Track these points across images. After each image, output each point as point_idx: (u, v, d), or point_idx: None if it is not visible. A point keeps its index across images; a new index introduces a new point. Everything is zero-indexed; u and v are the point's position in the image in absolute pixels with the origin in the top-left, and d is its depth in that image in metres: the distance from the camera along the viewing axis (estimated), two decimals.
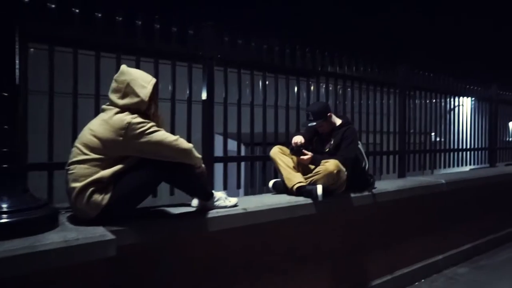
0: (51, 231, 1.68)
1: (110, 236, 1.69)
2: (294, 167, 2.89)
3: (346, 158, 2.86)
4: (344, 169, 2.77)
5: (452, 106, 5.21)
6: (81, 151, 1.85)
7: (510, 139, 6.62)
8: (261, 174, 3.22)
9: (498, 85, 5.88)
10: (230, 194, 2.43)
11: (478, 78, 5.61)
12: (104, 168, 1.84)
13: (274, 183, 2.99)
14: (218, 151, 3.07)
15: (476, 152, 5.60)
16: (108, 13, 2.23)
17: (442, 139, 5.11)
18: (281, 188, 2.91)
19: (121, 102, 1.91)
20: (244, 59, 2.98)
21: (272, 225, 2.46)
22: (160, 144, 1.90)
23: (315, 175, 2.76)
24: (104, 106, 1.96)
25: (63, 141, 2.15)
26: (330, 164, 2.67)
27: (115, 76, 1.95)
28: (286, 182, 2.83)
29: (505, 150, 6.28)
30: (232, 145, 3.21)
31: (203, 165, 2.18)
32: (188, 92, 2.71)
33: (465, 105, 5.47)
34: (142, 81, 1.97)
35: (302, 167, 2.94)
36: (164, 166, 1.95)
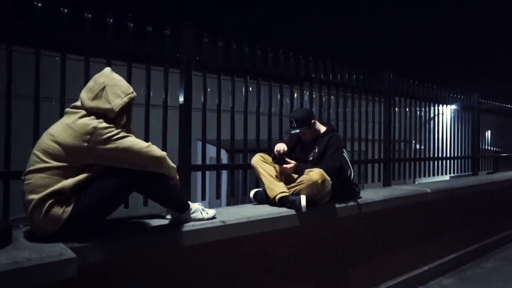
0: (1, 250, 1.50)
1: (69, 254, 1.51)
2: (276, 176, 2.75)
3: (331, 167, 2.74)
4: (329, 178, 2.65)
5: (435, 114, 5.18)
6: (39, 158, 1.67)
7: (488, 147, 6.67)
8: (243, 183, 3.06)
9: (479, 94, 5.92)
10: (212, 205, 2.28)
11: (459, 86, 5.63)
12: (65, 178, 1.66)
13: (255, 193, 2.84)
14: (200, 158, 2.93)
15: (457, 161, 5.58)
16: (75, 10, 2.05)
17: (423, 147, 5.07)
18: (263, 198, 2.77)
19: (90, 103, 1.74)
20: (224, 62, 2.84)
21: (252, 238, 2.31)
22: (129, 151, 1.74)
23: (298, 184, 2.62)
24: (67, 109, 1.79)
25: (23, 148, 1.95)
26: (314, 174, 2.54)
27: (96, 75, 1.79)
28: (268, 192, 2.69)
29: (485, 158, 6.30)
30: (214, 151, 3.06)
31: (177, 176, 2.02)
32: (164, 96, 2.55)
33: (446, 113, 5.46)
34: (120, 90, 1.80)
35: (285, 176, 2.81)
36: (133, 175, 1.78)
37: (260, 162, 2.77)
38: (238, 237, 2.23)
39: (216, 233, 2.12)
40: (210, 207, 2.28)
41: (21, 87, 2.04)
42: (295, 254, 2.59)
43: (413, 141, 4.91)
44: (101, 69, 1.90)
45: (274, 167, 2.77)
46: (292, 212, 2.54)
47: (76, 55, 2.14)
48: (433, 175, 5.12)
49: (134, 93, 1.86)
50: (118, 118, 1.79)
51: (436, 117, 5.22)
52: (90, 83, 1.79)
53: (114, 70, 1.90)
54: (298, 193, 2.60)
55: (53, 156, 1.66)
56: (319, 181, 2.52)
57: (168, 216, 2.13)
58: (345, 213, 2.90)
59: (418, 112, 4.81)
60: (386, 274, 3.31)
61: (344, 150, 3.20)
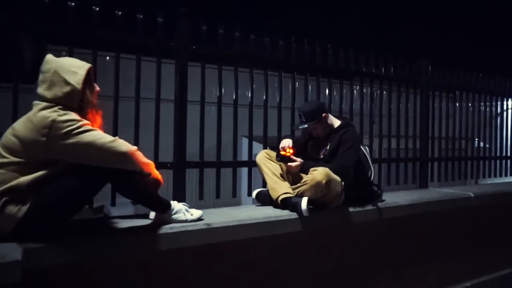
0: None
1: (13, 256, 1.40)
2: (281, 175, 2.50)
3: (342, 166, 2.43)
4: (338, 178, 2.35)
5: (495, 108, 4.57)
6: (0, 154, 1.59)
7: None
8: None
9: None
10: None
11: None
12: (23, 174, 1.56)
13: (258, 194, 2.62)
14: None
15: None
16: None
17: (487, 146, 4.50)
18: (266, 199, 2.53)
19: (49, 93, 1.63)
20: (226, 51, 2.62)
21: (243, 244, 2.08)
22: (92, 146, 1.60)
23: (302, 185, 2.35)
24: (34, 102, 1.69)
25: None
26: (318, 173, 2.26)
27: (41, 67, 1.68)
28: (271, 192, 2.45)
29: None
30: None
31: (156, 172, 1.86)
32: (156, 90, 2.40)
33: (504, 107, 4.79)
34: (72, 67, 1.69)
35: (292, 176, 2.55)
36: (99, 172, 1.64)
37: (264, 160, 2.53)
38: (225, 242, 2.01)
39: (197, 237, 1.92)
40: None
41: None
42: (296, 264, 2.32)
43: (476, 139, 4.39)
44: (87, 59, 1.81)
45: (280, 165, 2.52)
46: (293, 215, 2.28)
47: (58, 45, 2.05)
48: (491, 176, 4.52)
49: (88, 64, 1.74)
50: (84, 96, 1.68)
51: (497, 112, 4.62)
52: (40, 76, 1.67)
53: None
54: (302, 195, 2.34)
55: (11, 151, 1.57)
56: (323, 181, 2.23)
57: (151, 217, 1.98)
58: (361, 219, 2.56)
59: (471, 106, 4.26)
60: None
61: (366, 147, 2.87)
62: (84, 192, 1.66)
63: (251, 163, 2.73)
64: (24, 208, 1.54)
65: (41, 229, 1.60)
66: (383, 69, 3.46)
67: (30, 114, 1.62)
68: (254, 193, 2.63)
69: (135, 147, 1.72)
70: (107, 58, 2.32)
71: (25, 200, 1.55)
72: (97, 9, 2.14)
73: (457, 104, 4.15)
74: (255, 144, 2.97)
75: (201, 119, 2.55)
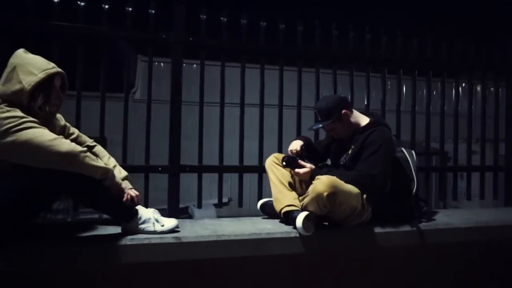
0: None
1: None
2: (290, 183, 2.11)
3: (363, 175, 1.94)
4: (352, 190, 1.89)
5: None
6: None
7: None
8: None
9: None
10: None
11: None
12: None
13: (263, 204, 2.26)
14: None
15: None
16: None
17: None
18: (273, 210, 2.16)
19: (1, 88, 1.56)
20: (231, 42, 2.33)
21: (221, 265, 1.76)
22: (29, 144, 1.46)
23: (306, 196, 1.93)
24: None
25: None
26: (319, 183, 1.82)
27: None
28: (274, 203, 2.09)
29: None
30: None
31: (116, 177, 1.67)
32: (148, 91, 2.22)
33: None
34: (34, 67, 1.58)
35: (306, 185, 2.13)
36: (39, 174, 1.50)
37: (272, 165, 2.18)
38: (200, 260, 1.72)
39: (162, 251, 1.67)
40: None
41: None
42: None
43: None
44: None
45: (290, 171, 2.13)
46: (293, 233, 1.88)
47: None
48: None
49: (56, 68, 1.61)
50: (34, 100, 1.56)
51: None
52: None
53: None
54: (305, 208, 1.93)
55: None
56: (324, 193, 1.78)
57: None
58: (389, 242, 2.01)
59: None
60: None
61: (413, 152, 2.29)
62: (29, 196, 1.54)
63: (261, 168, 2.38)
64: None
65: None
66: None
67: None
68: (259, 204, 2.28)
69: (81, 148, 1.55)
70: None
71: None
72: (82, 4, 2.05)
73: None
74: None
75: (200, 121, 2.29)
